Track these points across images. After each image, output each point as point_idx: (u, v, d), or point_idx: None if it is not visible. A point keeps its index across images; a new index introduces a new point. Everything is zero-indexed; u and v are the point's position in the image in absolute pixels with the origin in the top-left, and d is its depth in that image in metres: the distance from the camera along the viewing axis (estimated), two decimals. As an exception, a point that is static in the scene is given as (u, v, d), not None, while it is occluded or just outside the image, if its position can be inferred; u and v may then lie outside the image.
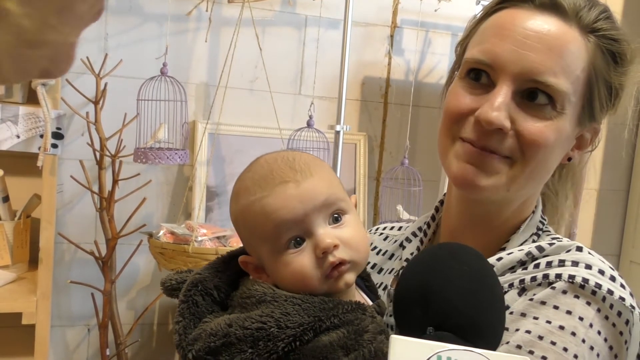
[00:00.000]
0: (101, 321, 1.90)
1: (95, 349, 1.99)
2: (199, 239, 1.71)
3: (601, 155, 2.35)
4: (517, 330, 0.70)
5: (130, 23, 1.93)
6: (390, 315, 0.73)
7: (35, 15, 0.34)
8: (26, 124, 1.71)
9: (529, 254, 0.77)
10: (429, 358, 0.56)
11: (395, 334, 0.62)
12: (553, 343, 0.68)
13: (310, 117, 1.90)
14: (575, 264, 0.73)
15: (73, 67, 0.42)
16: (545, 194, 0.89)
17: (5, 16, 0.33)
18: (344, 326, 0.65)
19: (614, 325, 0.71)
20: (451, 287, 0.64)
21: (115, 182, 1.85)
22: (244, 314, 0.67)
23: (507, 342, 0.69)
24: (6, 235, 1.75)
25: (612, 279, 0.73)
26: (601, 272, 0.73)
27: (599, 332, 0.70)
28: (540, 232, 0.83)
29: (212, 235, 1.75)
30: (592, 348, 0.69)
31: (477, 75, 0.78)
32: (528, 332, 0.70)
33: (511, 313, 0.72)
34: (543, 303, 0.71)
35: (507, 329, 0.70)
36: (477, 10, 0.85)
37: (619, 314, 0.72)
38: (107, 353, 1.92)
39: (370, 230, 1.03)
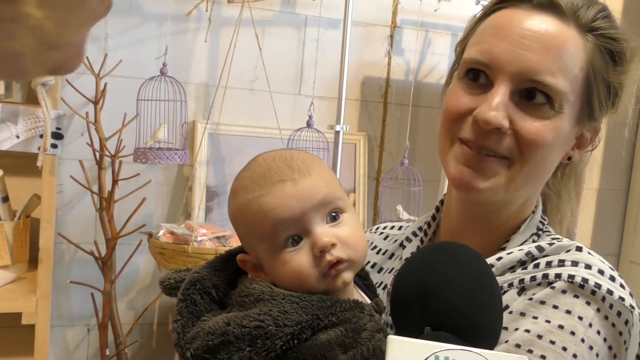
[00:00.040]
0: (101, 321, 1.90)
1: (95, 349, 1.99)
2: (199, 239, 1.71)
3: (601, 155, 2.35)
4: (516, 329, 0.70)
5: (130, 23, 1.93)
6: (389, 314, 0.73)
7: (55, 17, 0.34)
8: (26, 124, 1.71)
9: (528, 253, 0.77)
10: (427, 358, 0.56)
11: (394, 333, 0.62)
12: (552, 342, 0.68)
13: (310, 117, 1.90)
14: (574, 264, 0.73)
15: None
16: (545, 194, 0.89)
17: (27, 20, 0.32)
18: (342, 324, 0.65)
19: (613, 325, 0.71)
20: (451, 287, 0.64)
21: (115, 182, 1.85)
22: (242, 312, 0.67)
23: (506, 341, 0.69)
24: (6, 235, 1.75)
25: (612, 279, 0.73)
26: (601, 272, 0.73)
27: (598, 332, 0.70)
28: (540, 232, 0.83)
29: (212, 235, 1.75)
30: (591, 348, 0.69)
31: (476, 75, 0.78)
32: (527, 331, 0.69)
33: (510, 312, 0.72)
34: (542, 302, 0.71)
35: (506, 329, 0.70)
36: (477, 10, 0.85)
37: (619, 314, 0.72)
38: (107, 353, 1.92)
39: (370, 230, 1.03)
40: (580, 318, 0.70)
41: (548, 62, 0.74)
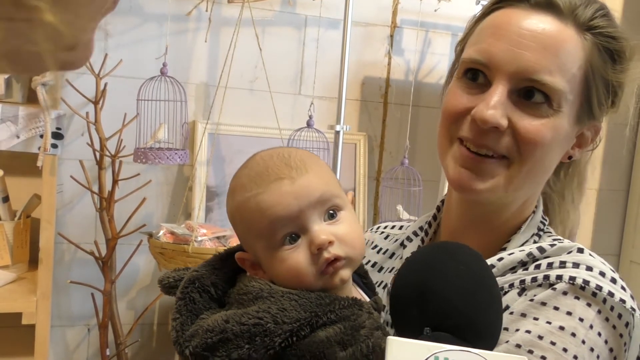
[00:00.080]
0: (101, 321, 1.90)
1: (95, 349, 1.99)
2: (199, 239, 1.71)
3: (601, 155, 2.35)
4: (517, 330, 0.70)
5: (130, 23, 1.93)
6: (389, 313, 0.73)
7: (69, 19, 0.34)
8: (26, 124, 1.71)
9: (529, 254, 0.77)
10: (427, 359, 0.56)
11: (393, 333, 0.62)
12: (553, 343, 0.68)
13: (310, 117, 1.90)
14: (576, 265, 0.73)
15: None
16: (547, 194, 0.89)
17: (42, 25, 0.33)
18: (340, 322, 0.65)
19: (614, 327, 0.71)
20: (451, 287, 0.64)
21: (115, 182, 1.85)
22: (240, 310, 0.67)
23: (507, 342, 0.69)
24: (6, 235, 1.75)
25: (613, 281, 0.73)
26: (602, 274, 0.73)
27: (600, 334, 0.70)
28: (541, 233, 0.83)
29: (212, 235, 1.75)
30: (592, 349, 0.69)
31: (474, 75, 0.78)
32: (528, 332, 0.69)
33: (511, 313, 0.72)
34: (543, 304, 0.71)
35: (506, 329, 0.70)
36: (477, 10, 0.86)
37: (620, 316, 0.71)
38: (107, 353, 1.92)
39: (371, 229, 1.03)
40: (581, 320, 0.70)
41: (546, 61, 0.74)
